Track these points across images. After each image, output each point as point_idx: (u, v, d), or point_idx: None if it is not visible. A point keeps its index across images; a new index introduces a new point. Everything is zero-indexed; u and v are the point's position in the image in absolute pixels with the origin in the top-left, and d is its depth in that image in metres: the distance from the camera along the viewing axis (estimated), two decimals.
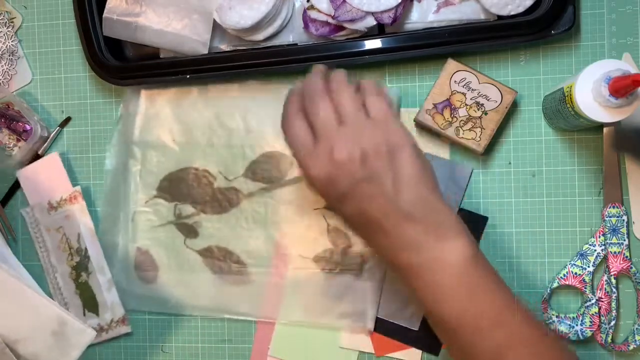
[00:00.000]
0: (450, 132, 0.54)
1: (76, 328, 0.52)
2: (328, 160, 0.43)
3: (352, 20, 0.53)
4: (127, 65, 0.60)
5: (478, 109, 0.54)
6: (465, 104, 0.54)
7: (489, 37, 0.53)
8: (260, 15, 0.54)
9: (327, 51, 0.55)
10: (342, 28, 0.55)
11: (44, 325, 0.51)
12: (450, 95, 0.54)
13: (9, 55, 0.64)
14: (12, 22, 0.64)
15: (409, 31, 0.56)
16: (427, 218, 0.43)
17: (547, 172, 0.56)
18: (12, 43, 0.64)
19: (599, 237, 0.54)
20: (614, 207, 0.54)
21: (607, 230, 0.54)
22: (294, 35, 0.57)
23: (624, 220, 0.54)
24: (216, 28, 0.58)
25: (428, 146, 0.57)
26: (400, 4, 0.52)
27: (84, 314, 0.62)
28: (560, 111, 0.51)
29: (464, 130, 0.54)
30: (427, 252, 0.43)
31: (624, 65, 0.45)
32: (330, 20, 0.54)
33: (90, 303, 0.62)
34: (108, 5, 0.58)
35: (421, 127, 0.56)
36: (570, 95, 0.48)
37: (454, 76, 0.54)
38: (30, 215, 0.63)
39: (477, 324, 0.42)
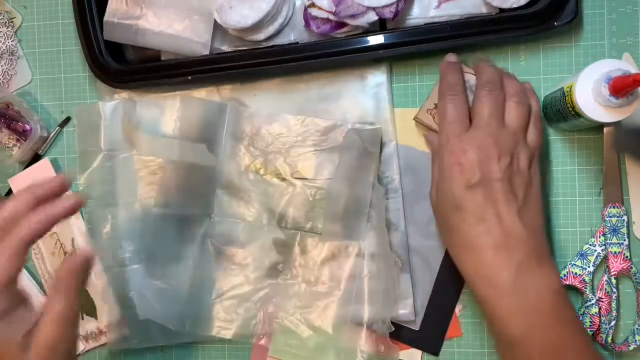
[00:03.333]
0: None
1: None
2: (481, 150, 0.45)
3: (353, 16, 0.53)
4: (128, 68, 0.60)
5: None
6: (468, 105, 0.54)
7: (491, 31, 0.53)
8: (261, 14, 0.54)
9: (329, 49, 0.55)
10: (343, 25, 0.54)
11: None
12: None
13: (9, 55, 0.64)
14: (12, 22, 0.64)
15: (411, 26, 0.56)
16: (535, 242, 0.45)
17: (547, 172, 0.56)
18: (12, 43, 0.64)
19: (599, 237, 0.54)
20: (614, 207, 0.54)
21: (607, 230, 0.54)
22: (295, 34, 0.57)
23: (624, 220, 0.54)
24: (217, 29, 0.58)
25: (426, 145, 0.57)
26: None
27: (82, 318, 0.61)
28: (560, 111, 0.51)
29: None
30: (527, 273, 0.43)
31: (624, 65, 0.45)
32: (331, 17, 0.53)
33: (88, 307, 0.62)
34: (108, 9, 0.58)
35: (422, 125, 0.56)
36: (570, 95, 0.48)
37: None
38: None
39: (559, 354, 0.42)
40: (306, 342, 0.58)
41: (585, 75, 0.47)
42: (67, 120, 0.64)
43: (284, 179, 0.58)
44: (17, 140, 0.63)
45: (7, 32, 0.64)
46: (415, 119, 0.55)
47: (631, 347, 0.53)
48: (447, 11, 0.55)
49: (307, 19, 0.55)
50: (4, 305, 0.41)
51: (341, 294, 0.57)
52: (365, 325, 0.56)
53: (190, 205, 0.59)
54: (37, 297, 0.61)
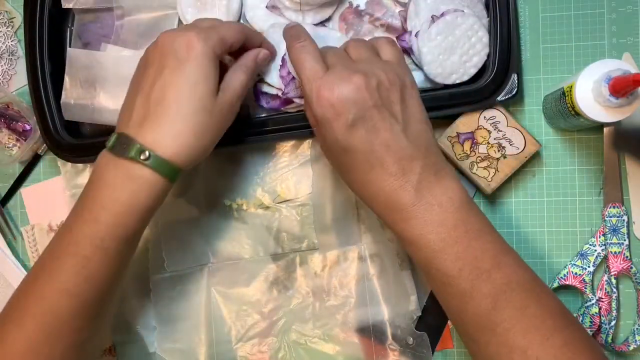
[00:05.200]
0: (464, 164, 0.54)
1: None
2: (344, 82, 0.43)
3: (301, 97, 0.53)
4: (82, 143, 0.58)
5: (498, 151, 0.54)
6: (488, 142, 0.54)
7: (435, 107, 0.53)
8: None
9: (282, 124, 0.55)
10: (292, 101, 0.54)
11: None
12: (475, 129, 0.54)
13: (9, 55, 0.64)
14: (11, 22, 0.64)
15: None
16: (428, 156, 0.44)
17: (547, 172, 0.56)
18: (12, 43, 0.64)
19: (599, 237, 0.54)
20: (614, 207, 0.54)
21: (607, 230, 0.54)
22: (246, 108, 0.57)
23: (624, 220, 0.54)
24: None
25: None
26: None
27: None
28: (560, 111, 0.51)
29: (478, 167, 0.54)
30: (427, 190, 0.43)
31: (624, 65, 0.45)
32: (280, 94, 0.53)
33: None
34: (64, 91, 0.58)
35: None
36: (571, 95, 0.48)
37: (485, 112, 0.53)
38: (29, 234, 0.63)
39: (477, 265, 0.42)
40: (335, 359, 0.58)
41: (585, 75, 0.47)
42: None
43: (267, 207, 0.58)
44: (17, 140, 0.63)
45: (7, 32, 0.64)
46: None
47: (631, 347, 0.53)
48: None
49: (258, 94, 0.55)
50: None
51: (355, 300, 0.57)
52: (388, 324, 0.56)
53: (186, 262, 0.59)
54: None
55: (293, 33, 0.48)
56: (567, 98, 0.48)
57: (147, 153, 0.43)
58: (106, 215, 0.44)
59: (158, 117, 0.44)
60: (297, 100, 0.54)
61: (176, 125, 0.44)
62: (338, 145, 0.44)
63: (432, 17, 0.52)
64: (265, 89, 0.54)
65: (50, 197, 0.63)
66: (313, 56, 0.45)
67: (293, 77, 0.52)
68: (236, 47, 0.48)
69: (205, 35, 0.45)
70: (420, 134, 0.44)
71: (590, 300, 0.54)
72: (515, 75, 0.52)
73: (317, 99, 0.43)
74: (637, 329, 0.53)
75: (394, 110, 0.44)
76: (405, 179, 0.43)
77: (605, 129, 0.54)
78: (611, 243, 0.54)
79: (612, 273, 0.54)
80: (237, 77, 0.48)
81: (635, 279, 0.54)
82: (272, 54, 0.52)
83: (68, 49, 0.59)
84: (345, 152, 0.44)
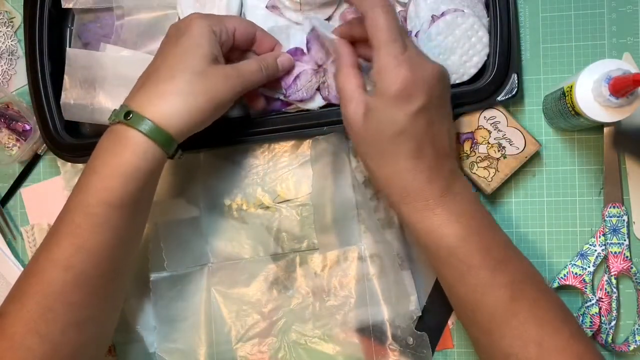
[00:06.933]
0: (464, 164, 0.54)
1: None
2: (425, 67, 0.43)
3: (302, 101, 0.54)
4: (82, 143, 0.58)
5: (498, 151, 0.54)
6: (488, 142, 0.54)
7: None
8: None
9: (282, 124, 0.55)
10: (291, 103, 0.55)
11: None
12: (475, 129, 0.54)
13: (9, 55, 0.64)
14: (11, 21, 0.64)
15: None
16: (454, 155, 0.48)
17: (547, 172, 0.56)
18: (12, 43, 0.64)
19: (599, 237, 0.54)
20: (614, 207, 0.54)
21: (607, 230, 0.54)
22: (244, 109, 0.57)
23: (624, 220, 0.54)
24: None
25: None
26: None
27: None
28: (561, 111, 0.51)
29: (478, 167, 0.54)
30: (453, 183, 0.45)
31: (625, 65, 0.45)
32: (282, 97, 0.54)
33: None
34: (64, 91, 0.58)
35: None
36: (571, 95, 0.48)
37: (485, 112, 0.53)
38: (29, 234, 0.63)
39: (493, 256, 0.44)
40: (335, 359, 0.58)
41: (585, 75, 0.47)
42: None
43: (267, 207, 0.58)
44: (17, 140, 0.63)
45: (7, 32, 0.64)
46: None
47: (631, 347, 0.53)
48: None
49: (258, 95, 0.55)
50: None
51: (355, 300, 0.57)
52: (388, 324, 0.56)
53: (186, 262, 0.59)
54: None
55: None
56: (567, 98, 0.48)
57: (130, 114, 0.44)
58: (95, 179, 0.44)
59: (149, 83, 0.46)
60: (300, 105, 0.54)
61: (163, 86, 0.45)
62: (395, 126, 0.43)
63: (432, 17, 0.52)
64: (266, 92, 0.55)
65: (50, 197, 0.63)
66: (397, 25, 0.44)
67: (295, 79, 0.53)
68: (242, 38, 0.50)
69: (205, 16, 0.48)
70: (453, 136, 0.48)
71: (590, 300, 0.54)
72: (515, 75, 0.52)
73: (395, 74, 0.42)
74: (637, 329, 0.53)
75: (448, 108, 0.47)
76: (440, 172, 0.45)
77: (605, 129, 0.54)
78: (611, 243, 0.54)
79: (612, 273, 0.54)
80: (250, 64, 0.49)
81: (636, 279, 0.54)
82: (291, 62, 0.53)
83: (67, 49, 0.59)
84: (398, 135, 0.44)
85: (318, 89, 0.54)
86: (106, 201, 0.44)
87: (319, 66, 0.54)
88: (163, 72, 0.46)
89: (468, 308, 0.45)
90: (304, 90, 0.54)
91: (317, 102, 0.55)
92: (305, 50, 0.54)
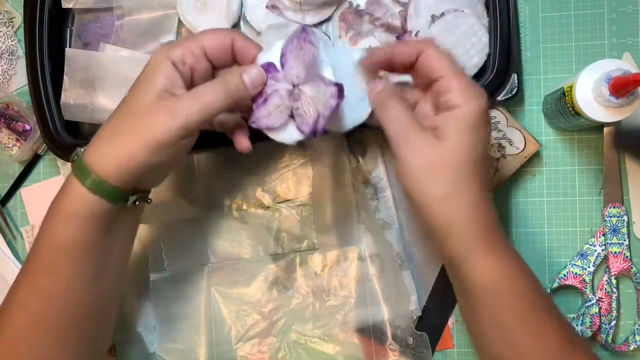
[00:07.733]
0: None
1: None
2: (485, 96, 0.42)
3: (270, 129, 0.44)
4: (82, 143, 0.58)
5: (498, 151, 0.54)
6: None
7: None
8: None
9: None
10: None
11: None
12: None
13: (9, 55, 0.64)
14: (11, 21, 0.64)
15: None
16: None
17: (547, 172, 0.56)
18: (12, 43, 0.64)
19: (600, 237, 0.54)
20: (614, 207, 0.54)
21: (607, 230, 0.54)
22: None
23: (624, 220, 0.54)
24: None
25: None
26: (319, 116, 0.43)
27: None
28: (561, 111, 0.51)
29: None
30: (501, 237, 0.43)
31: (625, 65, 0.45)
32: (249, 123, 0.45)
33: None
34: (64, 91, 0.58)
35: None
36: (571, 95, 0.48)
37: None
38: (29, 234, 0.63)
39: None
40: (335, 359, 0.58)
41: (585, 75, 0.47)
42: None
43: (267, 207, 0.58)
44: (17, 140, 0.63)
45: (7, 32, 0.64)
46: None
47: (631, 347, 0.53)
48: None
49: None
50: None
51: (355, 300, 0.57)
52: (388, 324, 0.56)
53: (186, 262, 0.59)
54: None
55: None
56: (567, 98, 0.48)
57: (75, 158, 0.43)
58: (44, 221, 0.44)
59: (104, 124, 0.43)
60: (270, 135, 0.45)
61: (101, 129, 0.43)
62: (479, 151, 0.41)
63: (432, 17, 0.52)
64: (244, 115, 0.47)
65: (50, 197, 0.61)
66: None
67: (264, 101, 0.44)
68: (216, 53, 0.44)
69: (165, 46, 0.43)
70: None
71: (590, 300, 0.54)
72: (515, 75, 0.52)
73: (478, 102, 0.41)
74: (637, 329, 0.53)
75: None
76: (492, 221, 0.42)
77: (605, 129, 0.54)
78: (611, 243, 0.54)
79: (612, 273, 0.54)
80: (204, 89, 0.42)
81: (636, 279, 0.54)
82: (262, 77, 0.44)
83: (66, 49, 0.59)
84: (480, 160, 0.42)
85: (291, 116, 0.44)
86: (46, 243, 0.43)
87: (294, 86, 0.44)
88: (113, 114, 0.43)
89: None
90: (273, 115, 0.44)
91: (292, 135, 0.44)
92: (278, 66, 0.44)
